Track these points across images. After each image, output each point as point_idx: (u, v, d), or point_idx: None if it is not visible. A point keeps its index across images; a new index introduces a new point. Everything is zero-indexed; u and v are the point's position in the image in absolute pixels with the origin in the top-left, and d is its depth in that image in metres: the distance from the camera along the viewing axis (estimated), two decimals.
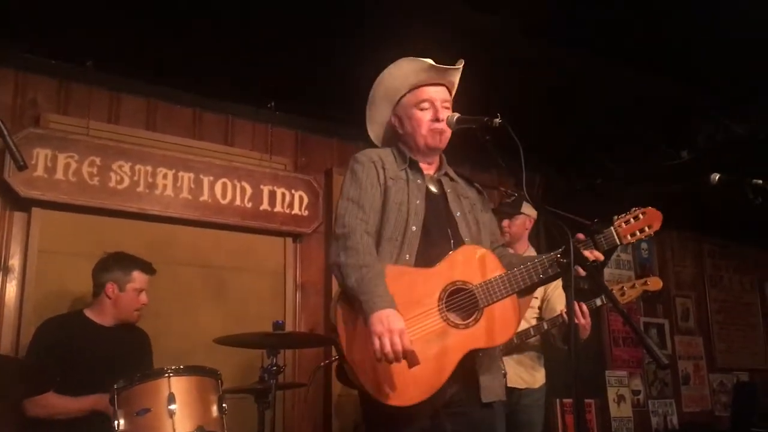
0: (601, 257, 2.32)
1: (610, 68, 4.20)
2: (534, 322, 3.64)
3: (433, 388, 2.18)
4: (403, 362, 2.15)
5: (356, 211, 2.31)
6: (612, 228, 2.40)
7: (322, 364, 4.08)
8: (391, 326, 2.09)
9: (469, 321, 2.25)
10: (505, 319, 2.29)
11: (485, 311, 2.26)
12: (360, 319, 2.20)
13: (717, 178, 3.01)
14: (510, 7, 3.60)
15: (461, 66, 2.49)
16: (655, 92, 4.52)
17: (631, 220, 2.42)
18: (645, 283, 3.51)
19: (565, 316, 3.32)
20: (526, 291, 2.38)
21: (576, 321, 3.28)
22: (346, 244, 2.24)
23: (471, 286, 2.27)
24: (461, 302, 2.26)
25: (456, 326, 2.23)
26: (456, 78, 2.54)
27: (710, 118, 4.89)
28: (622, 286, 3.53)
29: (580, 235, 2.34)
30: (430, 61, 2.44)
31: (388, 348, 2.07)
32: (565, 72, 4.19)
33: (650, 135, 5.10)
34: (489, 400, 2.30)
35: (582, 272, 2.20)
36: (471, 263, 2.31)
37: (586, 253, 2.24)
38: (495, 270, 2.31)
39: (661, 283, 3.59)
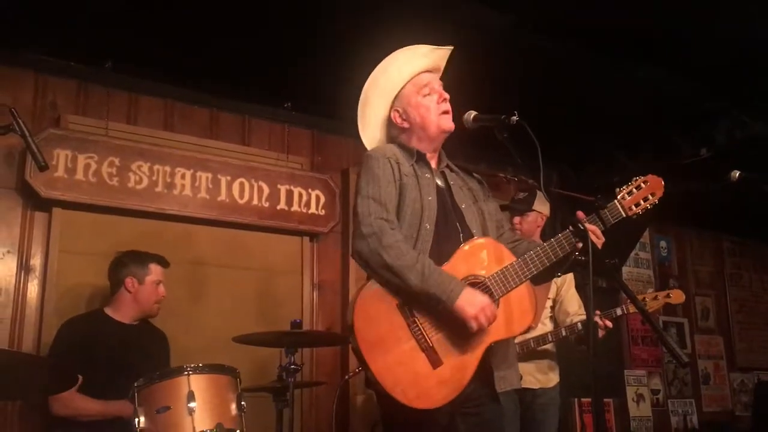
0: (599, 233, 2.27)
1: (628, 65, 4.18)
2: (548, 322, 3.64)
3: (459, 386, 2.17)
4: (428, 364, 2.16)
5: (379, 210, 2.26)
6: (615, 201, 2.36)
7: (347, 376, 4.08)
8: (480, 304, 2.15)
9: None
10: (522, 307, 2.28)
11: (501, 302, 2.25)
12: (380, 321, 2.20)
13: (737, 175, 2.98)
14: (525, 4, 3.58)
15: (451, 49, 2.49)
16: (674, 90, 4.48)
17: (634, 190, 2.38)
18: (668, 296, 3.48)
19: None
20: (542, 277, 2.36)
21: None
22: (382, 243, 2.18)
23: (483, 278, 2.26)
24: None
25: None
26: (443, 64, 2.54)
27: (729, 116, 4.84)
28: (644, 297, 3.50)
29: (581, 214, 2.30)
30: (425, 46, 2.45)
31: (486, 323, 2.16)
32: (583, 70, 4.17)
33: (669, 133, 5.06)
34: (504, 389, 2.29)
35: (598, 242, 2.19)
36: (480, 256, 2.30)
37: (591, 233, 2.19)
38: (505, 259, 2.29)
39: (683, 297, 3.55)
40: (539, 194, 3.71)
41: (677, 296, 3.50)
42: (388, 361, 2.16)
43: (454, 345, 2.20)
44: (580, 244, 2.18)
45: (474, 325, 2.14)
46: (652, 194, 2.38)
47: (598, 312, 3.38)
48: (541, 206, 3.71)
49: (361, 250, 2.22)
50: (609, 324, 3.35)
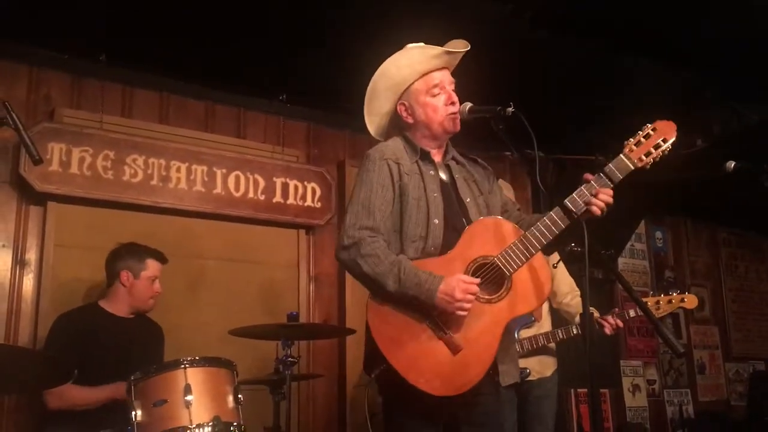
0: (610, 197, 2.18)
1: (624, 56, 4.17)
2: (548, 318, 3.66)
3: (485, 365, 2.19)
4: (447, 351, 2.17)
5: (365, 218, 2.28)
6: (621, 155, 2.22)
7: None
8: (458, 292, 2.14)
9: (501, 292, 2.24)
10: (537, 279, 2.27)
11: (515, 277, 2.24)
12: (395, 317, 2.21)
13: (732, 165, 2.99)
14: None
15: (468, 48, 2.46)
16: (670, 80, 4.48)
17: (642, 139, 2.22)
18: (682, 300, 3.49)
19: (601, 321, 3.34)
20: (547, 249, 2.35)
21: (607, 330, 3.33)
22: (361, 253, 2.23)
23: (492, 257, 2.25)
24: (488, 276, 2.25)
25: (488, 301, 2.23)
26: (456, 61, 2.51)
27: (725, 106, 4.84)
28: (658, 300, 3.51)
29: (588, 176, 2.23)
30: (440, 48, 2.42)
31: (468, 307, 2.15)
32: (578, 60, 4.16)
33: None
34: (507, 383, 2.30)
35: (597, 211, 2.16)
36: (486, 235, 2.30)
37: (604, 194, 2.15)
38: (512, 235, 2.28)
39: (697, 302, 3.55)
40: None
41: (691, 301, 3.50)
42: (409, 354, 2.17)
43: (470, 328, 2.20)
44: (584, 208, 2.15)
45: (461, 313, 2.16)
46: (664, 140, 2.23)
47: (616, 310, 3.42)
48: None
49: (343, 259, 2.30)
50: (620, 324, 3.36)
